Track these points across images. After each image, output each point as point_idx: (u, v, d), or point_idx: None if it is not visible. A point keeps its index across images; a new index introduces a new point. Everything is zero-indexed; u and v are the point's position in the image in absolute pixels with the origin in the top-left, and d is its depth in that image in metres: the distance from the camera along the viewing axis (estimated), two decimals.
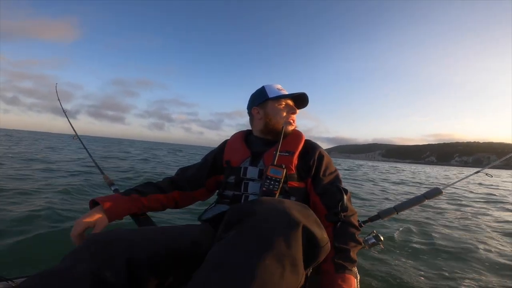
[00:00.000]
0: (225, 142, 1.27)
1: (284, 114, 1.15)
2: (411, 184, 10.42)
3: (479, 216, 4.35)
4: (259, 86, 1.22)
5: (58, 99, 1.95)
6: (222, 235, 0.64)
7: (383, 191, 7.15)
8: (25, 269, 1.65)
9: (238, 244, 0.58)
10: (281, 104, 1.16)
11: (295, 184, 1.06)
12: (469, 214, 4.47)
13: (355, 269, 0.90)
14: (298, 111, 1.19)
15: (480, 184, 10.78)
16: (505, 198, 6.87)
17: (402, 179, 12.18)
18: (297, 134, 1.18)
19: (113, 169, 6.99)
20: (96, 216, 0.89)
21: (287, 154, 1.09)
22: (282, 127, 1.12)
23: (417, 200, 1.34)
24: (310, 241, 0.61)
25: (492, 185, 10.77)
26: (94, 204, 0.95)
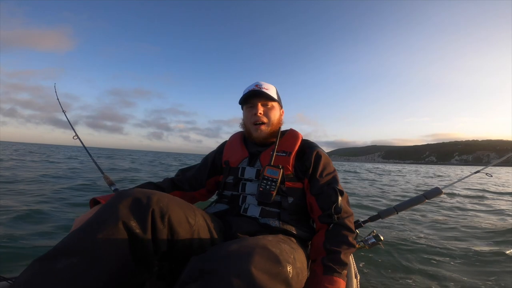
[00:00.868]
0: (225, 142, 1.28)
1: (250, 116, 1.14)
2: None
3: (479, 216, 4.34)
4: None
5: (58, 99, 1.95)
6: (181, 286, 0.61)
7: None
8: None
9: None
10: (248, 106, 1.16)
11: (292, 184, 1.06)
12: (469, 214, 4.46)
13: (345, 272, 0.87)
14: (259, 104, 1.12)
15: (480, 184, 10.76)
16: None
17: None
18: (293, 134, 1.18)
19: None
20: None
21: (284, 154, 1.08)
22: (279, 128, 1.12)
23: (417, 200, 1.34)
24: None
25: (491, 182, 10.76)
26: (94, 203, 0.95)
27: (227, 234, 0.95)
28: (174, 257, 0.78)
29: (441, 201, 5.25)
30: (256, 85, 1.13)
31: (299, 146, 1.12)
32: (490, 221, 3.97)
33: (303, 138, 1.18)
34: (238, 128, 1.27)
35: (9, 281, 0.69)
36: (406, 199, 1.37)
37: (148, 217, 0.70)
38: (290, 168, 1.06)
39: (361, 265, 2.08)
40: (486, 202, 6.00)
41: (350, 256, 1.04)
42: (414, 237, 2.91)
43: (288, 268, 0.64)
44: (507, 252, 2.56)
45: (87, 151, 1.84)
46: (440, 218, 3.97)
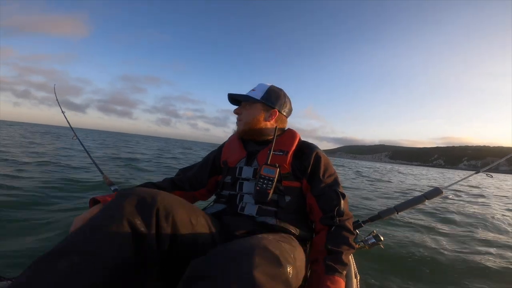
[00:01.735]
0: (224, 143, 1.30)
1: None
2: None
3: (480, 216, 4.31)
4: (266, 82, 1.24)
5: (57, 101, 1.99)
6: None
7: None
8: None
9: None
10: None
11: (289, 183, 1.06)
12: (470, 214, 4.42)
13: (345, 272, 0.89)
14: (238, 108, 1.21)
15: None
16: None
17: None
18: (291, 134, 1.19)
19: None
20: None
21: (281, 153, 1.09)
22: (276, 128, 1.13)
23: (417, 200, 1.34)
24: None
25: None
26: (94, 202, 0.96)
27: (226, 233, 0.97)
28: (175, 257, 0.79)
29: (441, 201, 5.21)
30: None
31: (297, 146, 1.14)
32: (490, 221, 3.94)
33: (301, 139, 1.19)
34: None
35: (9, 281, 0.68)
36: (406, 199, 1.37)
37: (153, 215, 0.72)
38: (287, 167, 1.07)
39: (361, 265, 2.09)
40: (486, 202, 5.95)
41: (350, 256, 1.06)
42: (414, 237, 2.92)
43: (289, 269, 0.65)
44: (509, 252, 2.55)
45: (87, 152, 1.87)
46: (440, 218, 3.95)
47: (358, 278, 1.10)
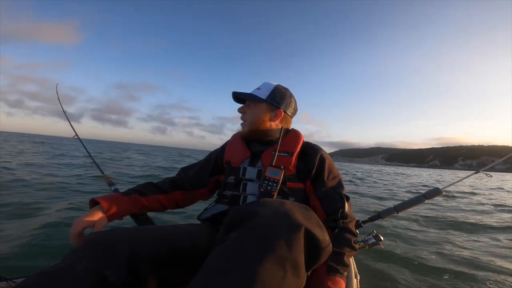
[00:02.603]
0: (227, 142, 1.27)
1: None
2: None
3: (480, 216, 4.33)
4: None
5: (59, 100, 1.97)
6: (223, 237, 0.63)
7: None
8: (26, 269, 1.66)
9: (239, 247, 0.57)
10: None
11: (294, 185, 1.05)
12: (470, 214, 4.45)
13: (346, 273, 0.89)
14: (242, 107, 1.20)
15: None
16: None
17: None
18: (295, 135, 1.17)
19: None
20: (96, 216, 0.89)
21: (286, 154, 1.08)
22: (281, 128, 1.11)
23: (417, 200, 1.34)
24: (312, 243, 0.61)
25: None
26: (94, 203, 0.95)
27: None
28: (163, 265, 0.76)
29: (441, 201, 5.23)
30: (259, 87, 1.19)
31: (301, 147, 1.12)
32: (490, 220, 3.96)
33: (304, 140, 1.17)
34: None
35: (9, 281, 0.68)
36: (406, 199, 1.37)
37: (123, 263, 0.68)
38: (292, 169, 1.06)
39: (361, 265, 2.08)
40: (486, 201, 5.99)
41: (351, 257, 1.05)
42: (414, 237, 2.92)
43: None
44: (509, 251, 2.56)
45: (87, 151, 1.85)
46: (440, 218, 3.96)
47: (359, 278, 1.09)
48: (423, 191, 1.37)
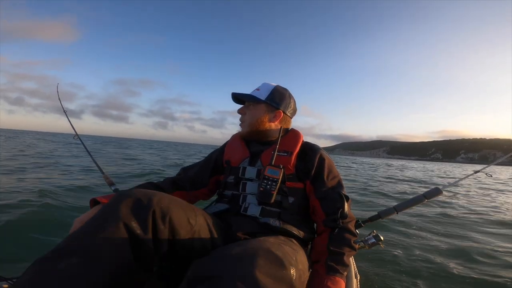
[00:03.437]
0: (227, 142, 1.27)
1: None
2: None
3: (481, 215, 4.33)
4: (261, 82, 1.22)
5: (59, 99, 1.97)
6: None
7: None
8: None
9: None
10: None
11: (293, 184, 1.06)
12: (470, 213, 4.44)
13: (346, 273, 0.89)
14: (241, 108, 1.20)
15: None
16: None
17: None
18: (295, 134, 1.17)
19: None
20: None
21: (285, 154, 1.08)
22: (281, 128, 1.12)
23: (417, 200, 1.34)
24: None
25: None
26: (95, 203, 0.94)
27: (227, 234, 0.96)
28: (175, 257, 0.78)
29: (441, 201, 5.23)
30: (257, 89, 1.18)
31: (301, 147, 1.12)
32: (491, 219, 3.96)
33: (304, 140, 1.17)
34: None
35: (9, 281, 0.68)
36: (406, 199, 1.37)
37: (149, 217, 0.71)
38: (291, 168, 1.06)
39: (361, 265, 2.09)
40: (487, 200, 5.98)
41: (351, 257, 1.06)
42: (414, 237, 2.92)
43: (292, 271, 0.65)
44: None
45: (87, 151, 1.85)
46: (440, 218, 3.96)
47: (359, 278, 1.09)
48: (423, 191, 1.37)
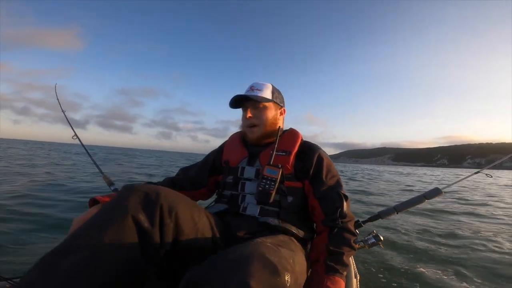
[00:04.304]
0: (225, 142, 1.28)
1: (243, 119, 1.16)
2: None
3: (481, 215, 4.29)
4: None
5: (57, 99, 1.98)
6: None
7: None
8: (25, 269, 1.68)
9: None
10: (242, 109, 1.17)
11: (292, 184, 1.05)
12: (470, 213, 4.40)
13: (345, 273, 0.89)
14: (249, 107, 1.13)
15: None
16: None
17: None
18: (293, 134, 1.17)
19: None
20: None
21: (283, 154, 1.08)
22: (279, 128, 1.13)
23: (417, 200, 1.33)
24: None
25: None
26: (94, 202, 0.94)
27: (227, 233, 0.95)
28: (176, 256, 0.78)
29: (442, 201, 5.17)
30: (251, 87, 1.15)
31: (299, 146, 1.12)
32: (491, 219, 3.91)
33: (303, 139, 1.18)
34: None
35: (9, 281, 0.68)
36: (406, 199, 1.37)
37: (157, 211, 0.71)
38: (290, 168, 1.06)
39: (361, 265, 2.08)
40: (487, 199, 5.90)
41: (351, 257, 1.05)
42: (414, 237, 2.90)
43: (286, 277, 0.63)
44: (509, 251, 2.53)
45: (87, 150, 1.87)
46: (440, 218, 3.93)
47: (358, 278, 1.08)
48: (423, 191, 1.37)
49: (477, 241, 2.90)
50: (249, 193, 1.06)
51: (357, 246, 1.22)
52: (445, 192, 1.34)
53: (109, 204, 0.72)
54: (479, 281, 1.96)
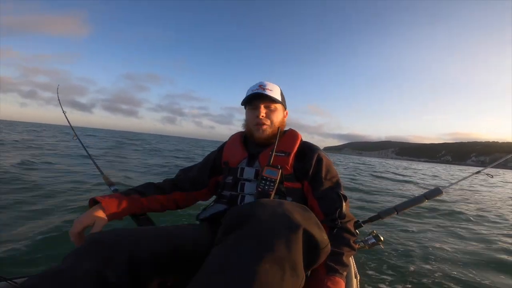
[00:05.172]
0: (225, 143, 1.28)
1: (252, 117, 1.13)
2: None
3: (481, 216, 4.28)
4: (269, 80, 1.19)
5: (59, 101, 2.02)
6: (222, 238, 0.64)
7: None
8: (25, 269, 1.68)
9: (238, 248, 0.58)
10: (250, 107, 1.15)
11: (291, 184, 1.06)
12: (470, 214, 4.39)
13: (345, 273, 0.89)
14: (262, 106, 1.11)
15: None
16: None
17: None
18: (293, 134, 1.17)
19: None
20: (96, 215, 0.87)
21: (283, 154, 1.08)
22: (278, 129, 1.12)
23: (417, 200, 1.33)
24: (311, 243, 0.62)
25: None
26: (94, 203, 0.94)
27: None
28: (169, 276, 0.78)
29: (441, 201, 5.17)
30: (260, 86, 1.13)
31: (299, 147, 1.12)
32: (491, 219, 3.91)
33: (303, 140, 1.18)
34: None
35: (9, 281, 0.68)
36: (407, 199, 1.37)
37: (123, 264, 0.68)
38: (289, 168, 1.06)
39: (361, 265, 2.10)
40: (487, 200, 5.88)
41: (350, 257, 1.05)
42: (414, 237, 2.91)
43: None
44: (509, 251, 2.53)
45: (87, 152, 1.88)
46: (440, 218, 3.93)
47: (358, 278, 1.09)
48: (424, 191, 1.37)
49: (478, 241, 2.90)
50: (248, 193, 1.07)
51: (357, 246, 1.22)
52: (445, 192, 1.34)
53: (71, 257, 0.66)
54: (481, 281, 1.98)
